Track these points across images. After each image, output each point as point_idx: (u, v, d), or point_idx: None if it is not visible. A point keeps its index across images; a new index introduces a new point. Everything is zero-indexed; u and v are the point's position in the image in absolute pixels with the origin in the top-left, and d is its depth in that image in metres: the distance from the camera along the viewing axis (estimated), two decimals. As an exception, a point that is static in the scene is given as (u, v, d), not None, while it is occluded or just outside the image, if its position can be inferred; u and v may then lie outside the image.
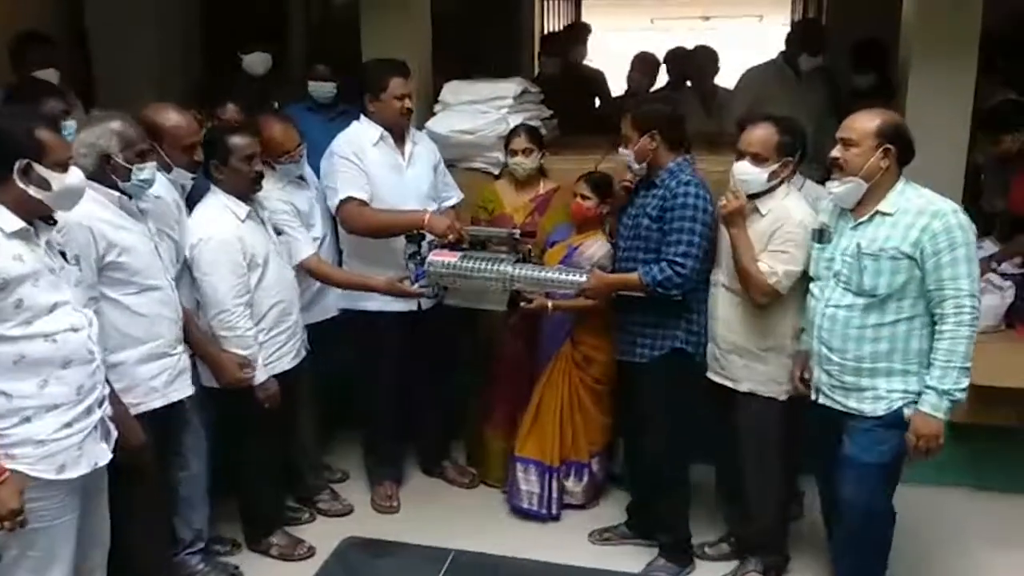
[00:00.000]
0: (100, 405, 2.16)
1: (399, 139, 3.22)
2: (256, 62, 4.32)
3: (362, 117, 3.23)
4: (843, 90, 4.39)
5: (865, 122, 2.38)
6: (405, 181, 3.21)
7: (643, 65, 5.00)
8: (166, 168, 2.67)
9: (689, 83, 5.03)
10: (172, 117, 2.71)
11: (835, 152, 2.41)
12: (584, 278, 2.84)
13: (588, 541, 3.20)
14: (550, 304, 3.03)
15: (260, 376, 2.82)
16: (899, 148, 2.37)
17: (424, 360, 3.41)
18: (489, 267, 2.88)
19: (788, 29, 5.48)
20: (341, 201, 3.10)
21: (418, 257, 2.97)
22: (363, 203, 3.11)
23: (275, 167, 3.07)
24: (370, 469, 3.55)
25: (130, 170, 2.39)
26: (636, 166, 2.84)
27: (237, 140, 2.80)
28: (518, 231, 3.00)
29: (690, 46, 5.20)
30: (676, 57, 5.18)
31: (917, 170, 2.49)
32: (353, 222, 3.13)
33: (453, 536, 3.21)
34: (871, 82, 4.27)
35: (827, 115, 4.06)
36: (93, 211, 2.34)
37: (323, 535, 3.22)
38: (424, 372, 3.44)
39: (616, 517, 3.29)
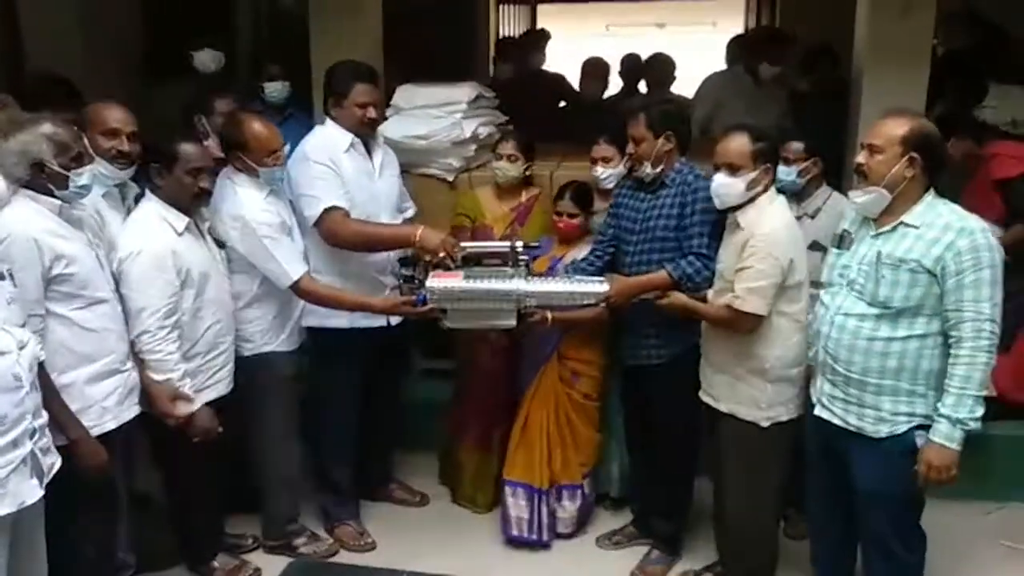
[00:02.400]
0: (31, 437, 1.98)
1: (367, 147, 3.09)
2: (207, 59, 4.19)
3: (328, 121, 3.07)
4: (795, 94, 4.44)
5: (893, 128, 2.26)
6: (376, 190, 3.07)
7: (595, 71, 4.97)
8: (88, 159, 2.46)
9: (645, 89, 5.02)
10: (100, 104, 2.60)
11: (859, 158, 2.30)
12: (604, 286, 2.75)
13: (597, 547, 3.19)
14: (550, 316, 2.88)
15: (189, 408, 2.60)
16: (927, 158, 2.25)
17: (378, 378, 3.25)
18: (500, 286, 2.70)
19: (742, 36, 5.51)
20: (325, 210, 2.88)
21: (415, 281, 2.79)
22: (347, 213, 2.92)
23: (259, 172, 2.82)
24: (328, 509, 3.27)
25: (67, 177, 2.24)
26: (649, 170, 2.81)
27: (187, 149, 2.61)
28: (521, 244, 2.85)
29: (644, 52, 5.19)
30: (630, 63, 5.16)
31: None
32: (338, 234, 2.91)
33: (424, 559, 3.10)
34: (822, 86, 4.33)
35: (786, 120, 4.09)
36: (35, 222, 2.20)
37: (269, 558, 3.10)
38: (376, 390, 3.26)
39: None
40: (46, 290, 2.22)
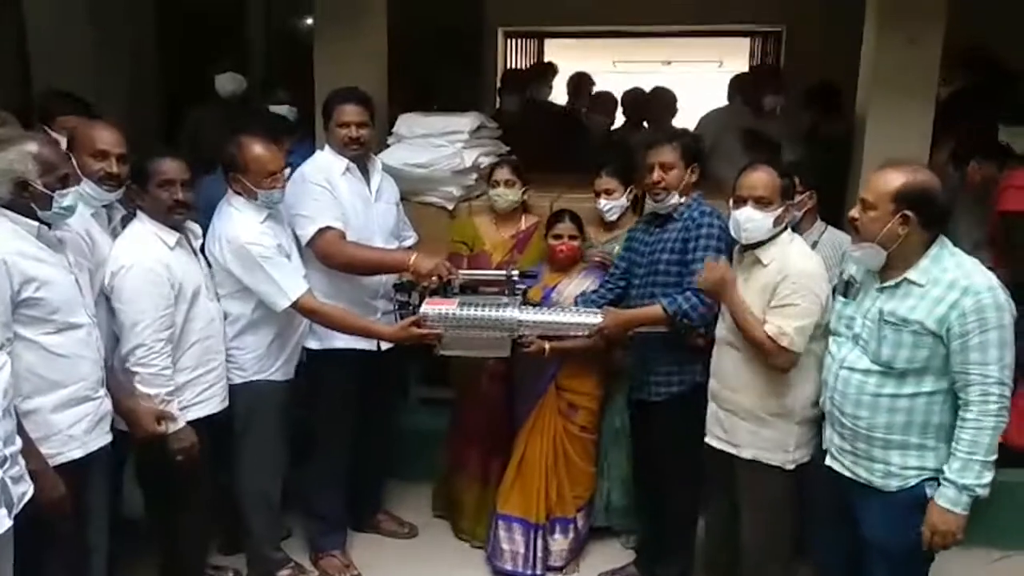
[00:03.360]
0: (2, 465, 1.91)
1: (364, 171, 3.09)
2: (226, 82, 4.23)
3: (326, 146, 3.09)
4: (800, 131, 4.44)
5: (886, 183, 2.15)
6: (372, 215, 3.06)
7: (602, 105, 5.01)
8: (76, 180, 2.45)
9: (647, 124, 5.04)
10: (85, 123, 2.57)
11: (853, 212, 2.22)
12: (599, 318, 2.73)
13: None
14: (547, 346, 2.87)
15: (173, 427, 2.54)
16: (922, 213, 2.12)
17: (370, 405, 3.19)
18: (494, 314, 2.69)
19: (743, 74, 5.54)
20: (319, 230, 2.87)
21: (410, 307, 2.78)
22: (342, 234, 2.91)
23: (257, 194, 2.76)
24: (314, 539, 3.22)
25: (51, 197, 2.19)
26: (675, 200, 2.77)
27: (157, 163, 2.60)
28: (517, 272, 2.85)
29: (647, 88, 5.22)
30: (633, 98, 5.19)
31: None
32: (332, 255, 2.90)
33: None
34: (826, 124, 4.33)
35: (787, 155, 4.09)
36: (8, 243, 2.14)
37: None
38: (368, 418, 3.21)
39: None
40: (15, 312, 2.14)
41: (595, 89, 5.49)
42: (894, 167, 2.20)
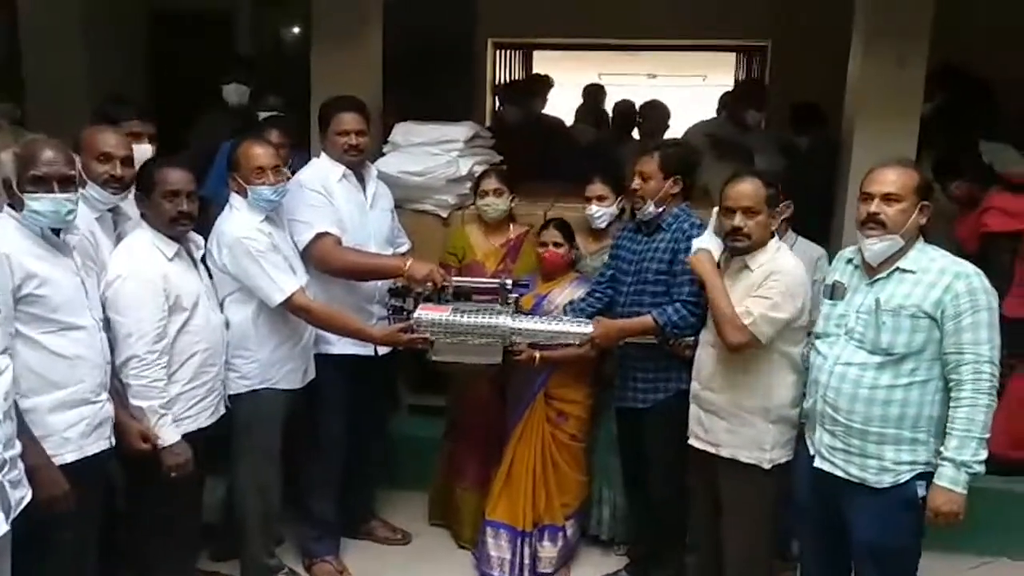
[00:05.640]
0: (1, 469, 1.90)
1: (360, 178, 3.12)
2: (232, 92, 4.42)
3: (322, 154, 3.12)
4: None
5: (908, 177, 2.31)
6: (368, 221, 3.09)
7: (590, 116, 5.08)
8: (80, 183, 2.44)
9: (637, 135, 5.11)
10: (94, 128, 2.60)
11: (874, 207, 2.29)
12: (590, 328, 2.77)
13: None
14: (537, 355, 2.89)
15: (168, 437, 2.48)
16: (929, 205, 2.33)
17: (365, 411, 3.20)
18: (487, 321, 2.72)
19: (729, 89, 5.65)
20: (316, 236, 2.90)
21: (404, 313, 2.81)
22: (338, 240, 2.94)
23: (247, 191, 2.76)
24: (308, 545, 3.20)
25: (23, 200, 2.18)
26: (652, 209, 2.83)
27: (164, 172, 2.56)
28: (510, 281, 2.88)
29: (636, 101, 5.30)
30: (623, 109, 5.26)
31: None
32: (329, 261, 2.93)
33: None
34: (809, 143, 4.43)
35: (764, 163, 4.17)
36: (11, 239, 2.16)
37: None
38: (362, 424, 3.21)
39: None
40: (15, 309, 2.13)
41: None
42: (899, 164, 2.37)
